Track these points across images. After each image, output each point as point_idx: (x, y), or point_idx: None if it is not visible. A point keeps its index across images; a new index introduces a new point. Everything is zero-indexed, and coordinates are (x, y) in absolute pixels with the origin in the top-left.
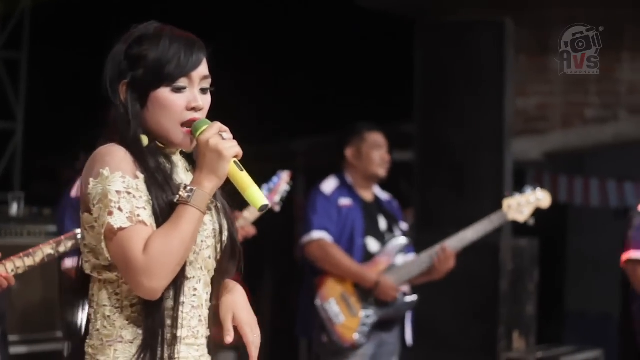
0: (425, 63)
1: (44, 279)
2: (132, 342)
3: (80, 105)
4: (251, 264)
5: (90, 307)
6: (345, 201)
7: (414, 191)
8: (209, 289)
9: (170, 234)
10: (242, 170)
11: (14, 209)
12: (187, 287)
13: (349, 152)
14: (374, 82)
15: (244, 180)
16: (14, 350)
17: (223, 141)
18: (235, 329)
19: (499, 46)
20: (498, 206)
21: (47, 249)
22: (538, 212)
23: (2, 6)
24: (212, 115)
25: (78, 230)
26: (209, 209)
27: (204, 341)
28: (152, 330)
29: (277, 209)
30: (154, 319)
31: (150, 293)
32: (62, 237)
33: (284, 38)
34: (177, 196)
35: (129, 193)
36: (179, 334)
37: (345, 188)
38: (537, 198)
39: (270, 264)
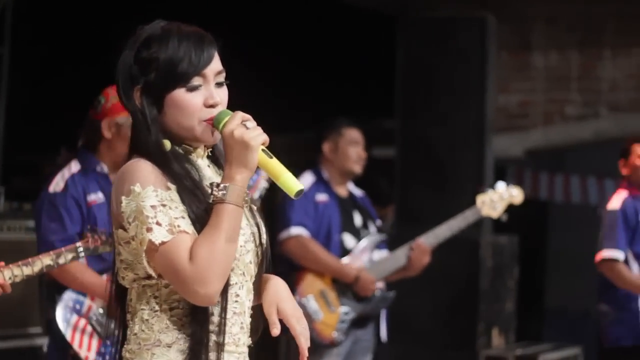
0: (407, 59)
1: None
2: (170, 347)
3: (62, 101)
4: None
5: (127, 312)
6: (321, 197)
7: (394, 187)
8: (252, 296)
9: (213, 236)
10: (271, 157)
11: None
12: (229, 293)
13: (326, 147)
14: (356, 79)
15: (276, 168)
16: None
17: (248, 131)
18: (282, 322)
19: (481, 43)
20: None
21: (46, 260)
22: (518, 209)
23: None
24: None
25: (79, 243)
26: (245, 214)
27: (245, 349)
28: (199, 337)
29: (258, 204)
30: (200, 325)
31: (207, 300)
32: (63, 249)
33: (265, 34)
34: (212, 197)
35: (164, 205)
36: (217, 340)
37: (321, 184)
38: (510, 194)
39: None
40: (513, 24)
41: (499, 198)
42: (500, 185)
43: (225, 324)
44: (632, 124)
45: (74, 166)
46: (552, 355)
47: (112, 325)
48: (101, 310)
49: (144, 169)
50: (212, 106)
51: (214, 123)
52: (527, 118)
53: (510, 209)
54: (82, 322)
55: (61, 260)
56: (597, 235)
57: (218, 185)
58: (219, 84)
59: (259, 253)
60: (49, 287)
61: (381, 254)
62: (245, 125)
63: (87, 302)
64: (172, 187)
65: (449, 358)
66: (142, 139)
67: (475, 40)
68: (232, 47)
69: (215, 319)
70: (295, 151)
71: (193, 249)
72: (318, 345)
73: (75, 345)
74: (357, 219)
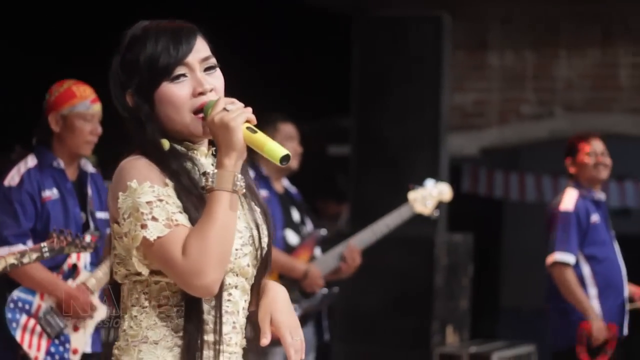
0: (363, 58)
1: None
2: (157, 344)
3: (15, 98)
4: None
5: (120, 308)
6: (262, 193)
7: (349, 185)
8: (247, 297)
9: (204, 226)
10: (255, 132)
11: None
12: (224, 293)
13: None
14: (311, 77)
15: (259, 140)
16: None
17: (227, 113)
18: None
19: (436, 41)
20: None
21: (10, 259)
22: (473, 207)
23: None
24: None
25: (44, 243)
26: (244, 216)
27: (237, 349)
28: (192, 335)
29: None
30: (193, 323)
31: (205, 291)
32: (27, 249)
33: (218, 32)
34: (205, 187)
35: (161, 200)
36: (208, 339)
37: (261, 180)
38: (439, 191)
39: None
40: (469, 23)
41: (429, 195)
42: (429, 182)
43: (220, 323)
44: (587, 123)
45: (31, 161)
46: (506, 353)
47: (61, 324)
48: (50, 310)
49: (141, 166)
50: (201, 93)
51: (203, 114)
52: (483, 117)
53: (466, 207)
54: (32, 322)
55: (25, 260)
56: (548, 235)
57: (208, 174)
58: (208, 70)
59: (258, 256)
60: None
61: (319, 251)
62: (226, 108)
63: (36, 301)
64: (170, 184)
65: (404, 356)
66: (139, 139)
67: (431, 39)
68: None
69: (207, 317)
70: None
71: (185, 241)
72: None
73: (25, 346)
74: (296, 215)
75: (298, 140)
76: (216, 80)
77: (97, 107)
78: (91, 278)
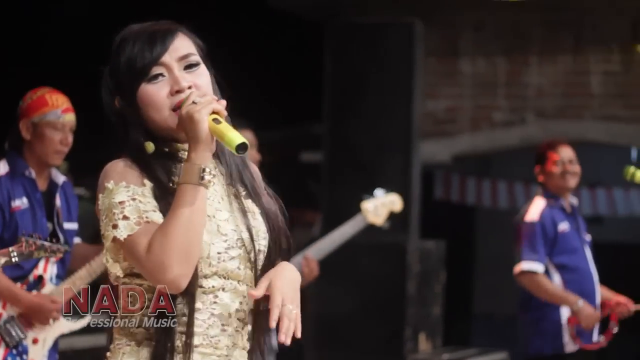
0: (335, 64)
1: None
2: (139, 346)
3: None
4: None
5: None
6: None
7: (322, 191)
8: (244, 299)
9: (166, 220)
10: (219, 123)
11: None
12: (208, 295)
13: None
14: (283, 83)
15: (221, 130)
16: None
17: (193, 105)
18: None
19: (409, 48)
20: (406, 208)
21: None
22: (446, 214)
23: None
24: None
25: (12, 248)
26: (233, 218)
27: (231, 352)
28: (163, 336)
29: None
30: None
31: (172, 286)
32: None
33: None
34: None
35: (134, 199)
36: (192, 342)
37: None
38: (390, 201)
39: None
40: (441, 31)
41: (381, 205)
42: (379, 192)
43: (192, 325)
44: (558, 129)
45: (2, 168)
46: None
47: (21, 335)
48: (12, 319)
49: (120, 167)
50: (179, 92)
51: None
52: (455, 124)
53: (438, 213)
54: None
55: None
56: (514, 245)
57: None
58: (189, 68)
59: (252, 258)
60: None
61: None
62: (194, 102)
63: None
64: (149, 184)
65: None
66: (122, 141)
67: (403, 46)
68: None
69: (184, 319)
70: None
71: (151, 237)
72: None
73: None
74: None
75: (257, 147)
76: (197, 77)
77: (69, 117)
78: (57, 289)
